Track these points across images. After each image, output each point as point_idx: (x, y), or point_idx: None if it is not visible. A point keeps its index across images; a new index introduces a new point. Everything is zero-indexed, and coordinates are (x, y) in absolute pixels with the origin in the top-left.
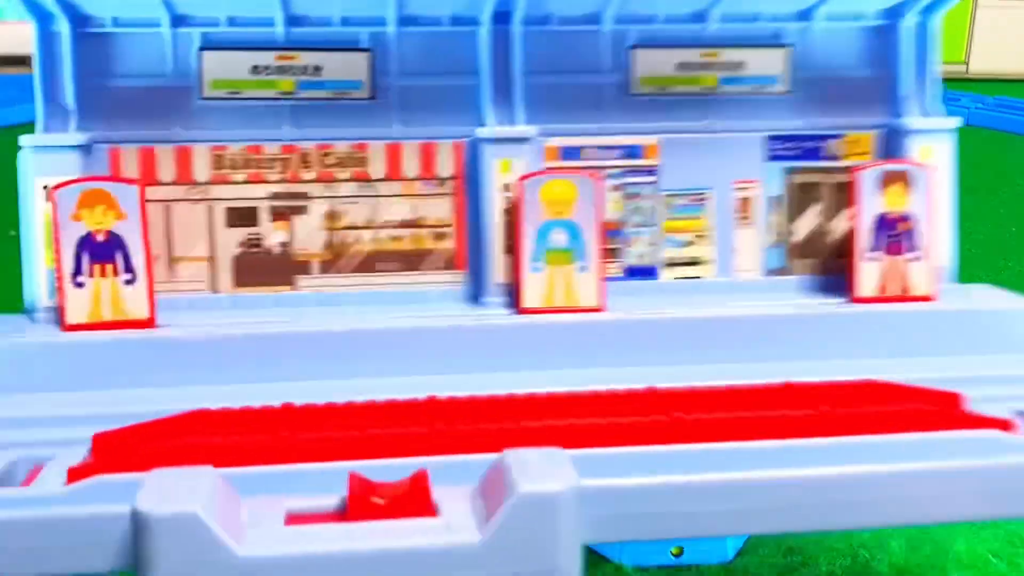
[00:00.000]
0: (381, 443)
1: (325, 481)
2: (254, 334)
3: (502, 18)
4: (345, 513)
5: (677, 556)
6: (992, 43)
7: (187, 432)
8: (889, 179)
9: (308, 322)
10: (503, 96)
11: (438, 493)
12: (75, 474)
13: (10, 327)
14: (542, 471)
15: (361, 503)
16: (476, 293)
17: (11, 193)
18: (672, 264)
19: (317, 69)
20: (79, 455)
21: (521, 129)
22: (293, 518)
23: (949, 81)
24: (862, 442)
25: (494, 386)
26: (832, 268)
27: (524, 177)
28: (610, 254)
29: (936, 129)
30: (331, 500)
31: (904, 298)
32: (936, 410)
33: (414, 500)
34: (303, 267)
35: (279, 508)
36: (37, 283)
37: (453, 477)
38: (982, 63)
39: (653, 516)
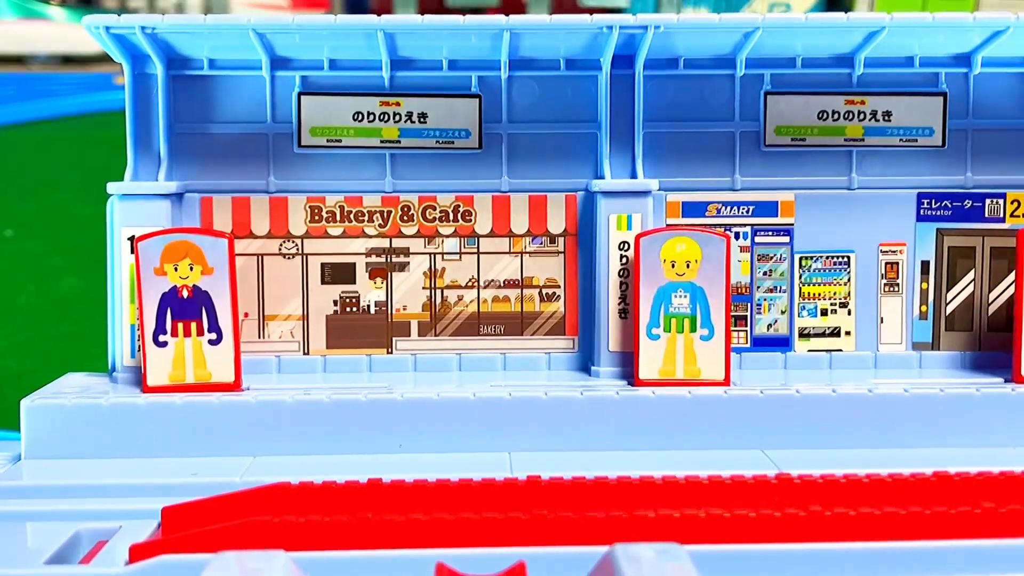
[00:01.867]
0: (474, 529)
1: (409, 570)
2: (344, 400)
3: (623, 62)
4: None
5: None
6: None
7: (262, 508)
8: None
9: (403, 389)
10: (622, 146)
11: None
12: (138, 552)
13: (90, 388)
14: (658, 570)
15: None
16: (587, 361)
17: (8, 191)
18: (807, 335)
19: (423, 116)
20: (147, 529)
21: (641, 182)
22: None
23: None
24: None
25: (604, 466)
26: (988, 344)
27: (643, 234)
28: (738, 321)
29: None
30: None
31: None
32: None
33: None
34: (401, 328)
35: None
36: (119, 340)
37: (554, 571)
38: None
39: None
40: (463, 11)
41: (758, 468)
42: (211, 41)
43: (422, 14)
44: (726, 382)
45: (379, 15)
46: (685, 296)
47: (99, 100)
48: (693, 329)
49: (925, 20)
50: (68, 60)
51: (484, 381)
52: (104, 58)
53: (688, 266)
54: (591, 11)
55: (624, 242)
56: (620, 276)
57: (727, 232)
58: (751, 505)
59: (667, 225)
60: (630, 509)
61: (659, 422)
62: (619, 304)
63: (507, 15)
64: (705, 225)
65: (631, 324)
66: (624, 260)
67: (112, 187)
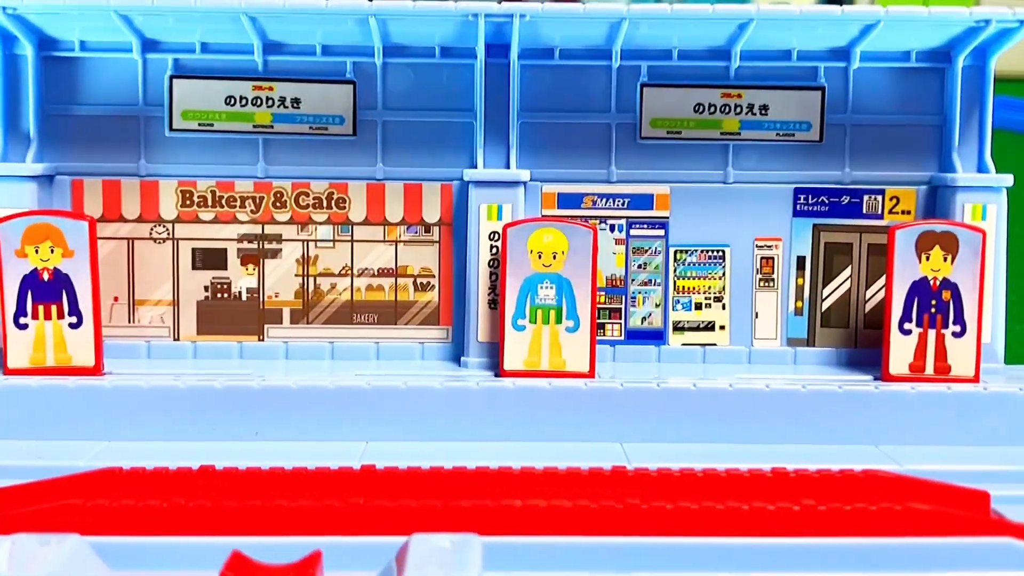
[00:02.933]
0: (274, 515)
1: (206, 556)
2: (201, 387)
3: (499, 51)
4: None
5: None
6: None
7: (91, 493)
8: (930, 241)
9: (271, 377)
10: (497, 135)
11: None
12: None
13: None
14: (446, 562)
15: None
16: (459, 352)
17: None
18: (681, 328)
19: (296, 101)
20: None
21: (512, 172)
22: None
23: None
24: (858, 544)
25: (462, 457)
26: (864, 341)
27: (510, 224)
28: (612, 314)
29: (988, 186)
30: None
31: (941, 379)
32: (957, 512)
33: None
34: (273, 315)
35: None
36: None
37: (353, 562)
38: None
39: None
40: None
41: (613, 461)
42: (81, 23)
43: None
44: (591, 374)
45: None
46: (551, 287)
47: None
48: (559, 321)
49: (797, 13)
50: None
51: (355, 370)
52: None
53: (555, 257)
54: None
55: (494, 232)
56: (490, 267)
57: (596, 224)
58: (594, 497)
59: (542, 216)
60: (436, 498)
61: (520, 413)
62: (489, 295)
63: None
64: (579, 217)
65: (499, 315)
66: (494, 250)
67: None
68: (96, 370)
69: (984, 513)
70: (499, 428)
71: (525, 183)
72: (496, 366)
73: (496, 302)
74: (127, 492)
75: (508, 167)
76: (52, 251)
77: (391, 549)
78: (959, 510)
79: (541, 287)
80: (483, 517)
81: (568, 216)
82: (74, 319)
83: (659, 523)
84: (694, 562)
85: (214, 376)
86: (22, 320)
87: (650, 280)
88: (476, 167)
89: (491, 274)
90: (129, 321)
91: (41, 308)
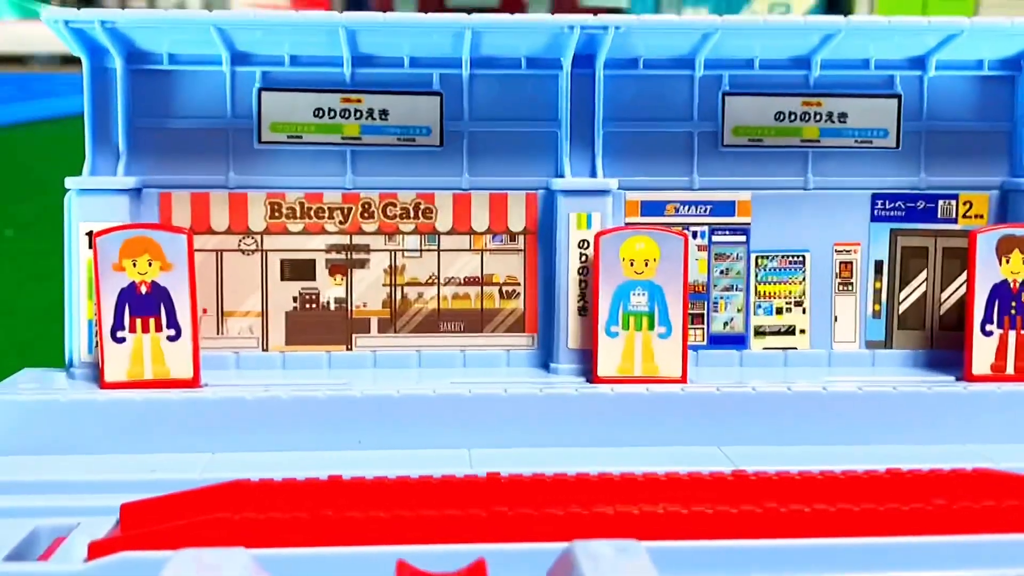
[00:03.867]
0: (433, 526)
1: (371, 566)
2: (303, 397)
3: (584, 61)
4: None
5: None
6: None
7: (222, 505)
8: (1009, 244)
9: (362, 386)
10: (582, 144)
11: None
12: (97, 549)
13: (47, 383)
14: (616, 567)
15: None
16: (546, 358)
17: (8, 192)
18: (762, 332)
19: (384, 113)
20: (106, 526)
21: (600, 181)
22: None
23: None
24: (967, 542)
25: (562, 462)
26: (940, 342)
27: (602, 233)
28: (695, 319)
29: None
30: None
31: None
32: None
33: None
34: (361, 325)
35: None
36: (77, 336)
37: (514, 568)
38: None
39: None
40: (463, 10)
41: (714, 464)
42: (171, 35)
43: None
44: (683, 379)
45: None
46: (644, 294)
47: None
48: (651, 327)
49: (881, 24)
50: (68, 60)
51: (444, 378)
52: None
53: (647, 264)
54: (592, 11)
55: (584, 240)
56: (580, 274)
57: (685, 231)
58: (708, 501)
59: (626, 224)
60: (588, 506)
61: (617, 419)
62: (579, 302)
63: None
64: (663, 224)
65: (590, 322)
66: (584, 258)
67: (70, 182)
68: (194, 382)
69: None
70: (598, 433)
71: (612, 191)
72: (587, 372)
73: (586, 309)
74: (264, 504)
75: (595, 175)
76: (150, 264)
77: (551, 555)
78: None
79: (634, 294)
80: (643, 523)
81: (654, 224)
82: (172, 332)
83: (794, 526)
84: (822, 562)
85: (311, 386)
86: (119, 334)
87: (732, 285)
88: (563, 176)
89: (580, 282)
90: (218, 332)
91: (139, 321)
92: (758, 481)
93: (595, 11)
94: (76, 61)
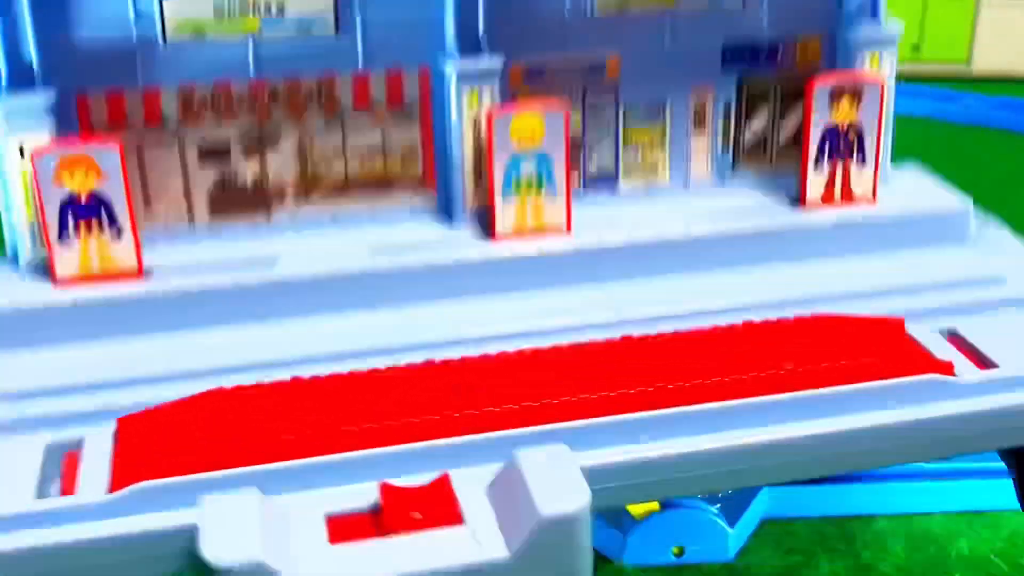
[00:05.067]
0: (396, 433)
1: (347, 474)
2: (243, 283)
3: None
4: (382, 522)
5: (678, 556)
6: (995, 42)
7: (208, 416)
8: (839, 92)
9: (292, 266)
10: (466, 23)
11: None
12: (119, 478)
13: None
14: (558, 482)
15: (397, 516)
16: (447, 215)
17: None
18: (630, 172)
19: (281, 7)
20: (106, 437)
21: (488, 63)
22: (333, 523)
23: (951, 80)
24: (813, 397)
25: (475, 312)
26: (778, 169)
27: (493, 114)
28: (571, 165)
29: (883, 38)
30: (364, 499)
31: (848, 202)
32: (877, 360)
33: (442, 508)
34: (278, 197)
35: (318, 514)
36: (20, 235)
37: (464, 462)
38: (985, 62)
39: (646, 486)
40: None
41: (596, 305)
42: None
43: None
44: (568, 229)
45: None
46: (532, 163)
47: None
48: (540, 187)
49: None
50: None
51: (357, 236)
52: None
53: (534, 138)
54: None
55: (476, 119)
56: (474, 146)
57: (566, 103)
58: (605, 378)
59: (512, 92)
60: (514, 397)
61: (516, 269)
62: (474, 168)
63: None
64: (547, 90)
65: (488, 189)
66: (477, 132)
67: None
68: (139, 273)
69: (899, 340)
70: (501, 282)
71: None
72: (485, 227)
73: (481, 175)
74: (244, 413)
75: (480, 53)
76: (86, 175)
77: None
78: (878, 344)
79: (524, 163)
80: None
81: (535, 90)
82: (114, 231)
83: (677, 396)
84: (705, 426)
85: (241, 263)
86: (66, 237)
87: (603, 136)
88: (450, 55)
89: (475, 151)
90: (145, 215)
91: (83, 224)
92: (641, 345)
93: None
94: None
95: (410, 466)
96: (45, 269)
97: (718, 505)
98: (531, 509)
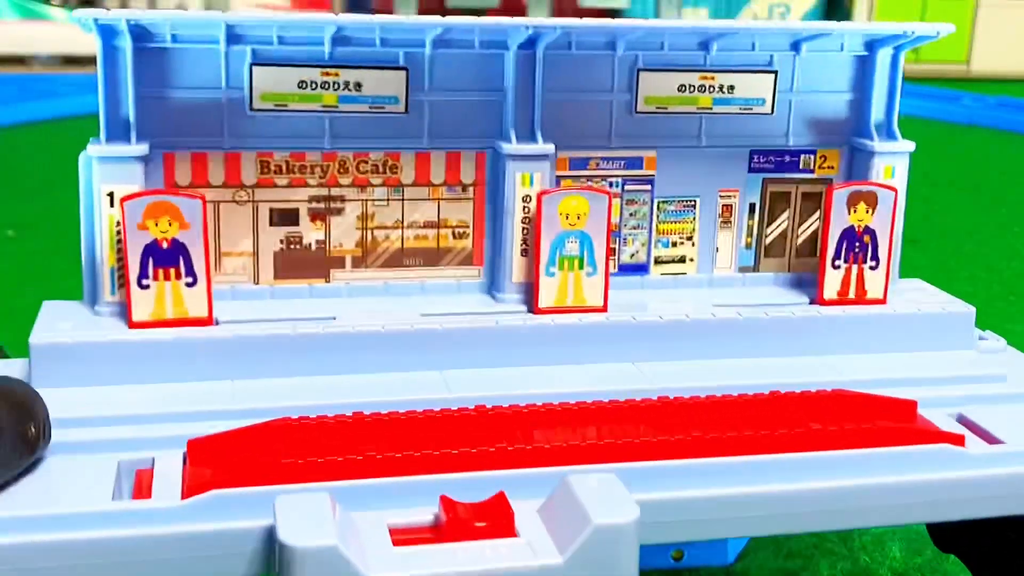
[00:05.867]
0: (455, 460)
1: (408, 495)
2: (305, 332)
3: (527, 43)
4: (441, 531)
5: (678, 560)
6: (994, 43)
7: (275, 441)
8: (856, 198)
9: (349, 321)
10: (524, 112)
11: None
12: (193, 487)
13: (76, 317)
14: (608, 500)
15: (456, 524)
16: (491, 289)
17: (9, 192)
18: (660, 261)
19: (358, 85)
20: (177, 457)
21: (542, 147)
22: (396, 533)
23: (951, 80)
24: (838, 457)
25: (515, 378)
26: (796, 267)
27: (543, 193)
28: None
29: (898, 152)
30: (424, 516)
31: (861, 301)
32: (898, 425)
33: (500, 520)
34: (338, 261)
35: (381, 524)
36: (101, 278)
37: (517, 493)
38: (984, 63)
39: (685, 524)
40: (463, 12)
41: (627, 375)
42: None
43: (422, 14)
44: (604, 308)
45: (379, 14)
46: (576, 242)
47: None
48: (581, 267)
49: (767, 26)
50: (69, 60)
51: (407, 304)
52: None
53: (579, 218)
54: (591, 12)
55: (527, 196)
56: (523, 223)
57: (608, 189)
58: (638, 428)
59: (558, 177)
60: (571, 436)
61: (556, 340)
62: (522, 245)
63: (509, 15)
64: (587, 176)
65: (531, 262)
66: (526, 210)
67: (92, 149)
68: (209, 320)
69: (912, 418)
70: (541, 354)
71: (549, 154)
72: (527, 303)
73: (527, 251)
74: (310, 439)
75: (535, 141)
76: (170, 224)
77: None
78: (893, 419)
79: (568, 241)
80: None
81: (581, 176)
82: (190, 279)
83: (709, 447)
84: (732, 477)
85: (306, 323)
86: (144, 282)
87: (638, 225)
88: (509, 141)
89: (523, 229)
90: (216, 271)
91: (161, 271)
92: (678, 405)
93: (594, 12)
94: (77, 61)
95: (467, 491)
96: (122, 312)
97: None
98: (584, 519)
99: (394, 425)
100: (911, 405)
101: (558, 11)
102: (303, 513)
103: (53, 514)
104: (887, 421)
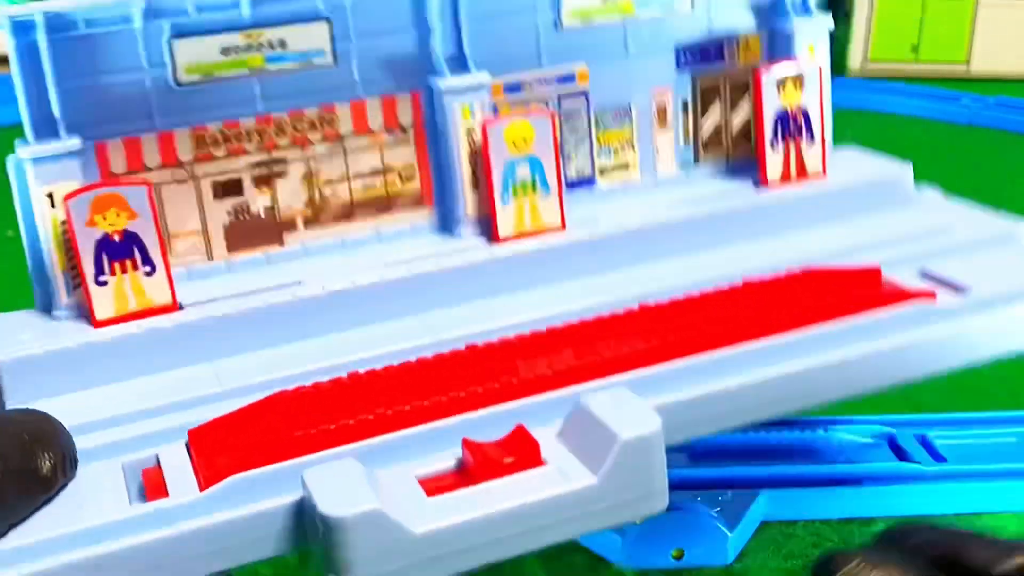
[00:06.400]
0: (465, 401)
1: (427, 443)
2: (276, 303)
3: None
4: (470, 474)
5: (678, 559)
6: (994, 43)
7: (277, 415)
8: (785, 79)
9: (317, 283)
10: (454, 45)
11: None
12: (209, 477)
13: (35, 327)
14: (628, 414)
15: (484, 464)
16: (444, 227)
17: (9, 192)
18: (604, 171)
19: (282, 43)
20: (179, 451)
21: (477, 77)
22: (425, 483)
23: (950, 80)
24: (837, 329)
25: (493, 310)
26: (735, 156)
27: (488, 123)
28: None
29: (816, 28)
30: (448, 461)
31: (803, 178)
32: (870, 292)
33: (525, 452)
34: (289, 224)
35: (409, 477)
36: (54, 284)
37: (534, 420)
38: (983, 63)
39: (702, 419)
40: None
41: (605, 289)
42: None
43: None
44: (563, 227)
45: None
46: (526, 167)
47: None
48: (534, 190)
49: None
50: None
51: (363, 256)
52: None
53: (525, 142)
54: None
55: (471, 129)
56: (469, 157)
57: (551, 109)
58: (628, 334)
59: (494, 104)
60: (565, 356)
61: (519, 268)
62: (472, 178)
63: None
64: (525, 100)
65: (485, 193)
66: (472, 143)
67: (21, 151)
68: (174, 307)
69: (878, 283)
70: (507, 282)
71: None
72: (486, 233)
73: (478, 183)
74: (311, 409)
75: (468, 71)
76: (118, 215)
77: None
78: (862, 285)
79: (518, 168)
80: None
81: (514, 100)
82: (148, 268)
83: (701, 341)
84: (732, 368)
85: (273, 291)
86: (101, 278)
87: (579, 140)
88: (442, 76)
89: (471, 162)
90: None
91: (117, 265)
92: (657, 309)
93: None
94: None
95: (484, 430)
96: (82, 313)
97: (718, 508)
98: (610, 437)
99: (392, 377)
100: (875, 271)
101: None
102: (335, 482)
103: (82, 530)
104: (861, 289)
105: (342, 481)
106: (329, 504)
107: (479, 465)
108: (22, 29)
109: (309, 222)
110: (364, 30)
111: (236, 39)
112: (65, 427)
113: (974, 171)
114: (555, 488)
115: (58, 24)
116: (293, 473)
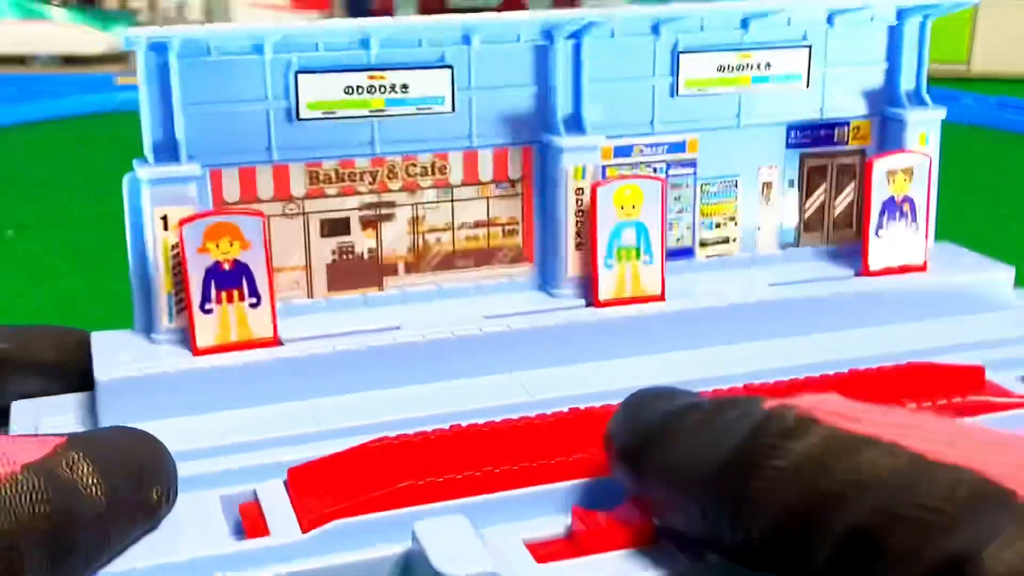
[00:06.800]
0: (576, 467)
1: (535, 506)
2: (376, 346)
3: (573, 34)
4: (579, 543)
5: None
6: (994, 43)
7: (381, 462)
8: (896, 168)
9: (416, 330)
10: (573, 105)
11: None
12: (311, 519)
13: (134, 348)
14: None
15: (596, 534)
16: (544, 285)
17: (9, 192)
18: (705, 244)
19: (404, 87)
20: (277, 488)
21: (592, 139)
22: (533, 548)
23: (951, 80)
24: None
25: (591, 374)
26: (834, 239)
27: (598, 184)
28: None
29: (930, 119)
30: (555, 527)
31: (905, 269)
32: (997, 400)
33: (639, 528)
34: (390, 268)
35: (517, 540)
36: (157, 306)
37: None
38: (984, 63)
39: None
40: (463, 10)
41: (692, 363)
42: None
43: (423, 14)
44: (662, 296)
45: (378, 15)
46: (632, 231)
47: (99, 100)
48: (638, 257)
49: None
50: (69, 60)
51: (460, 305)
52: (104, 58)
53: (634, 207)
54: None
55: (580, 188)
56: (577, 216)
57: (661, 176)
58: None
59: (604, 166)
60: None
61: (617, 332)
62: (576, 238)
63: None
64: (632, 163)
65: (588, 255)
66: (580, 203)
67: (141, 172)
68: (275, 341)
69: (982, 383)
70: (604, 348)
71: (599, 146)
72: (585, 296)
73: (582, 244)
74: (411, 460)
75: (583, 132)
76: (231, 244)
77: None
78: (965, 384)
79: (624, 232)
80: None
81: (622, 163)
82: (253, 300)
83: None
84: None
85: (373, 335)
86: (207, 306)
87: (682, 209)
88: (557, 133)
89: (577, 222)
90: None
91: (224, 294)
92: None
93: None
94: (76, 62)
95: (594, 498)
96: (182, 339)
97: None
98: None
99: (496, 434)
100: (979, 370)
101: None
102: (448, 538)
103: (186, 561)
104: (962, 389)
105: (455, 538)
106: (444, 561)
107: (589, 534)
108: (156, 50)
109: (410, 267)
110: (485, 82)
111: (360, 79)
112: (171, 453)
113: (974, 171)
114: (669, 568)
115: (191, 49)
116: (398, 523)
